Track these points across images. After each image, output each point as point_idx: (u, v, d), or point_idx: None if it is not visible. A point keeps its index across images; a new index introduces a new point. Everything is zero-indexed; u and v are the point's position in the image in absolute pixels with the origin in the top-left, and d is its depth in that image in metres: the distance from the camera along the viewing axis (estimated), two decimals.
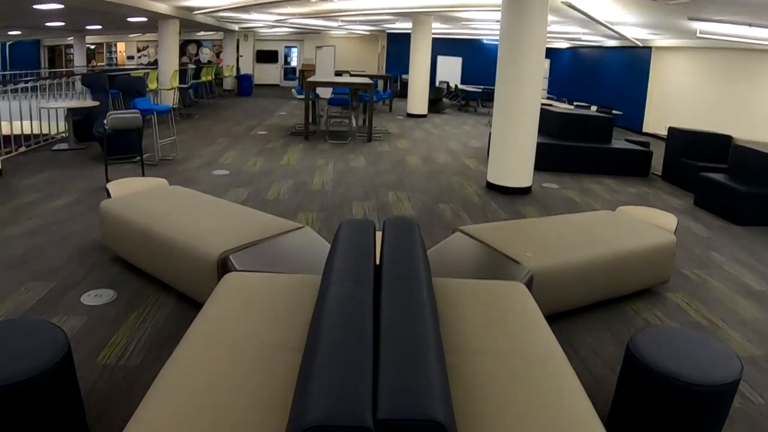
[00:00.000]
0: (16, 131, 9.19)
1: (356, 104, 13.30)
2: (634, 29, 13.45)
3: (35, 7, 10.73)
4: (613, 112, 13.47)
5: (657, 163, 9.69)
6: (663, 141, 10.09)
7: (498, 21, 7.71)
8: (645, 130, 16.33)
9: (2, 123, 8.72)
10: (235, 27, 21.96)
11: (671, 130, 9.48)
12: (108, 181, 6.73)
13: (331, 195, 6.91)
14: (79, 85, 11.92)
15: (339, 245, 2.61)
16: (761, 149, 7.48)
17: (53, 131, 10.46)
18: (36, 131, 9.82)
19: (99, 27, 19.99)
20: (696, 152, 8.91)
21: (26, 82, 10.92)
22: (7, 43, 25.73)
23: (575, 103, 15.15)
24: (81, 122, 9.52)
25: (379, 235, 2.92)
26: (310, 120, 11.27)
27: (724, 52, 13.42)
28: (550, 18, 10.64)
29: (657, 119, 15.91)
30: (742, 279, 5.00)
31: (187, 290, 3.85)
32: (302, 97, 11.54)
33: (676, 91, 15.38)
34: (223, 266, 3.49)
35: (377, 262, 2.61)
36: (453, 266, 3.82)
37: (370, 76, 16.94)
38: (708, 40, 12.35)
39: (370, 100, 11.38)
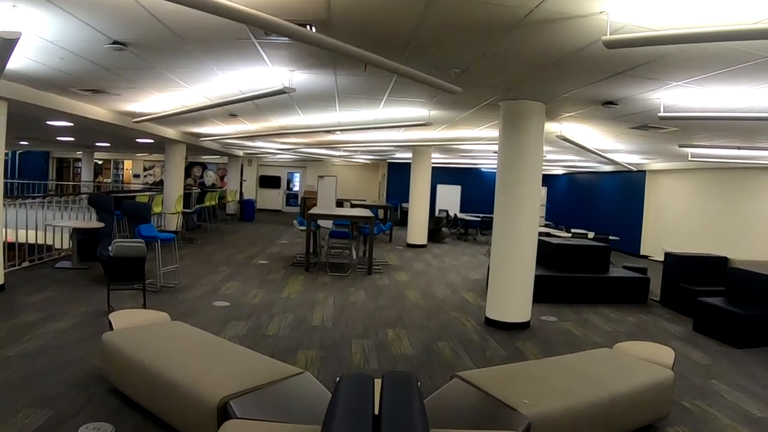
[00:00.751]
0: (21, 240, 9.34)
1: (357, 234, 13.44)
2: (627, 156, 13.94)
3: (48, 123, 11.26)
4: (610, 238, 13.66)
5: (656, 287, 9.77)
6: (661, 264, 10.19)
7: (496, 152, 7.86)
8: (643, 252, 16.55)
9: (8, 231, 8.89)
10: (240, 152, 22.67)
11: (667, 255, 9.65)
12: (110, 307, 6.83)
13: (330, 332, 6.84)
14: (85, 201, 12.20)
15: (338, 402, 2.63)
16: (757, 270, 7.58)
17: (57, 245, 10.68)
18: (41, 241, 10.04)
19: (107, 144, 20.84)
20: (693, 276, 9.04)
21: (34, 198, 11.23)
22: (18, 152, 26.51)
23: (572, 231, 15.33)
24: (85, 241, 9.72)
25: (378, 382, 2.95)
26: (311, 251, 11.32)
27: (717, 172, 13.86)
28: (546, 148, 11.03)
29: (654, 242, 16.17)
30: (743, 406, 4.99)
31: (185, 431, 3.81)
32: (304, 228, 11.62)
33: (672, 213, 15.67)
34: (223, 412, 3.48)
35: (376, 413, 2.64)
36: (451, 416, 3.79)
37: (371, 206, 17.27)
38: (701, 161, 12.72)
39: (370, 233, 11.50)
